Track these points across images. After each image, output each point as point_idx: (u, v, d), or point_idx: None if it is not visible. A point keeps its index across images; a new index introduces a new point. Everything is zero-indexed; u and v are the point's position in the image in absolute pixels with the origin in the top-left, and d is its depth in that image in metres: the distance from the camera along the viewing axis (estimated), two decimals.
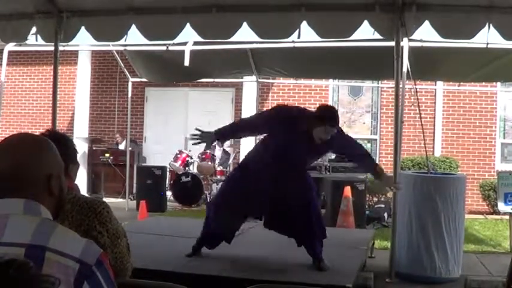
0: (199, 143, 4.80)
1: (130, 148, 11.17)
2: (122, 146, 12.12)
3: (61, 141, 2.13)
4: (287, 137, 4.50)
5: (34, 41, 6.46)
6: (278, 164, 4.55)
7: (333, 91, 12.33)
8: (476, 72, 8.00)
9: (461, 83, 10.26)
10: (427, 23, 5.33)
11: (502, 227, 8.77)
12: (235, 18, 5.65)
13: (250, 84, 11.20)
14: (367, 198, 9.52)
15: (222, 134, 4.78)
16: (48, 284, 1.09)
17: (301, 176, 4.74)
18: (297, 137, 4.48)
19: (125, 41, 6.26)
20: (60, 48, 6.50)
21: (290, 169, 4.60)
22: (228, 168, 11.67)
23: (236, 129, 5.12)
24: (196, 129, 4.72)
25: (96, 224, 2.20)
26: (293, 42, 7.06)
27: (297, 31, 5.59)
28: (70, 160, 2.27)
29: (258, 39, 5.99)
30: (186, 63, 7.85)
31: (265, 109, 12.15)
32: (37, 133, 1.81)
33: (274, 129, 4.60)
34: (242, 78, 10.95)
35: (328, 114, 4.50)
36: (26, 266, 1.09)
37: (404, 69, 6.30)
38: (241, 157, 11.27)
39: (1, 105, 10.66)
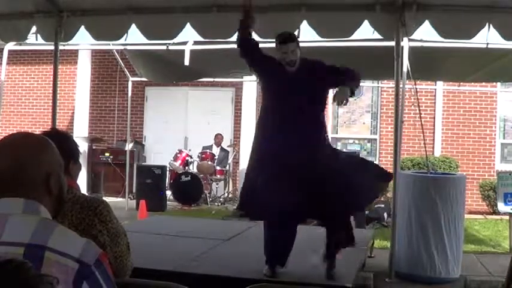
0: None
1: (135, 149, 11.18)
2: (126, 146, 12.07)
3: (62, 139, 2.14)
4: (274, 74, 4.49)
5: (34, 40, 6.46)
6: (284, 113, 4.39)
7: (333, 91, 12.30)
8: (476, 73, 8.00)
9: (461, 83, 10.27)
10: (427, 22, 5.33)
11: (501, 227, 8.77)
12: (236, 18, 5.64)
13: (250, 84, 11.20)
14: None
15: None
16: (47, 284, 1.09)
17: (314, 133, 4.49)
18: (282, 73, 4.46)
19: (125, 40, 6.26)
20: (60, 47, 6.50)
21: (298, 116, 4.41)
22: (227, 167, 11.68)
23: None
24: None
25: (96, 222, 2.20)
26: None
27: (297, 31, 5.59)
28: (71, 157, 2.27)
29: (258, 39, 5.98)
30: (186, 62, 7.85)
31: None
32: (37, 132, 1.81)
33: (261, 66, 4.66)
34: (242, 78, 10.95)
35: (278, 35, 4.53)
36: (25, 266, 1.09)
37: (404, 69, 6.30)
38: (241, 156, 11.36)
39: (1, 105, 10.66)
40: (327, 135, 4.69)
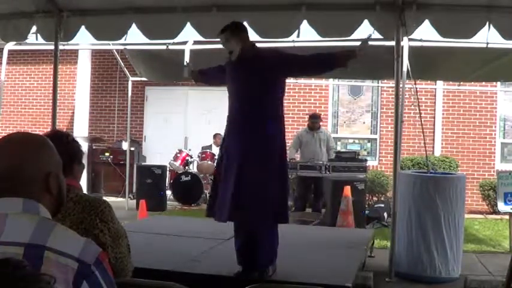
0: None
1: (132, 148, 11.17)
2: (123, 145, 12.08)
3: (63, 141, 2.14)
4: (227, 73, 4.53)
5: (34, 40, 6.46)
6: (234, 106, 4.37)
7: (333, 90, 12.34)
8: (476, 72, 8.00)
9: (461, 83, 10.27)
10: (427, 22, 5.33)
11: (501, 227, 8.77)
12: (236, 18, 5.64)
13: None
14: (366, 198, 9.52)
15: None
16: (44, 282, 1.09)
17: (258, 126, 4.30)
18: (230, 68, 4.50)
19: (125, 40, 6.26)
20: (60, 47, 6.50)
21: (244, 106, 4.32)
22: None
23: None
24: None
25: (98, 222, 2.20)
26: (293, 41, 7.06)
27: (297, 31, 5.60)
28: (75, 158, 2.28)
29: (258, 38, 5.99)
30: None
31: None
32: (37, 132, 1.81)
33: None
34: None
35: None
36: (21, 265, 1.09)
37: (404, 69, 6.31)
38: None
39: (1, 105, 10.66)
40: (279, 131, 4.31)
